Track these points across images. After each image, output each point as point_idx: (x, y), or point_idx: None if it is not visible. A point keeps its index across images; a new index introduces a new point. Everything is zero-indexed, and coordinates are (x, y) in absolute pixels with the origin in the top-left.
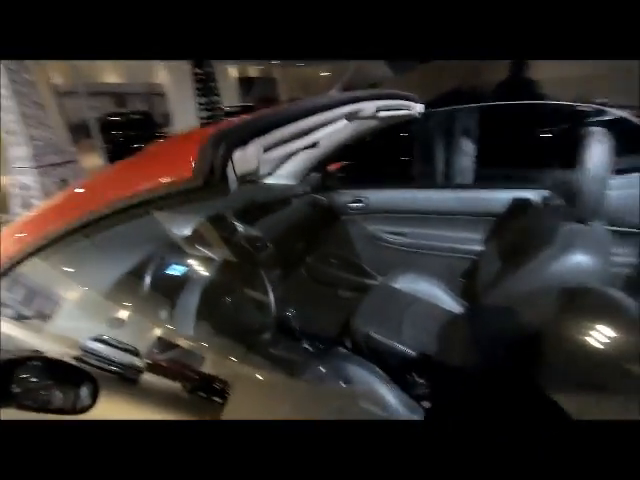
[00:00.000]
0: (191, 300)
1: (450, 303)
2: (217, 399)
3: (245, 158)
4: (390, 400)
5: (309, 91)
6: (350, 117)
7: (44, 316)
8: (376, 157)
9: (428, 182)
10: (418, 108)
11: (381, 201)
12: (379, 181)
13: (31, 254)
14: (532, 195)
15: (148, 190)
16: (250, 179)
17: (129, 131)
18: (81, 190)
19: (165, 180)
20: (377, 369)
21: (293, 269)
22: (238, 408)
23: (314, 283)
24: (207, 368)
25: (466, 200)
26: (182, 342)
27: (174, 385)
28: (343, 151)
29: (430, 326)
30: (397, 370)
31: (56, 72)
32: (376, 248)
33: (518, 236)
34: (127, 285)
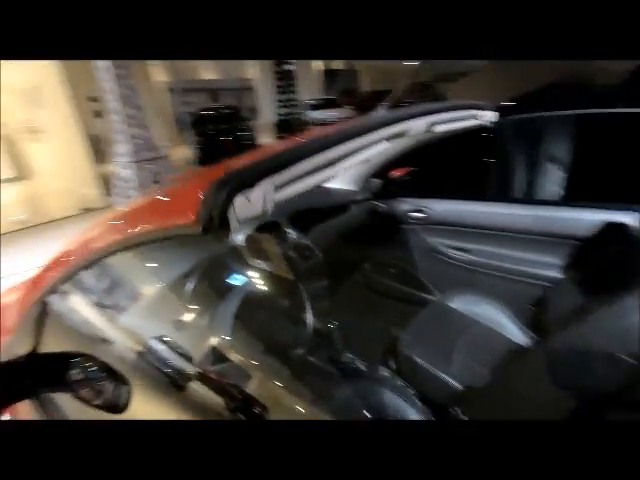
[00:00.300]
0: (230, 307)
1: (515, 333)
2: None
3: (249, 202)
4: None
5: (392, 82)
6: (392, 138)
7: (120, 308)
8: (444, 163)
9: (502, 195)
10: (489, 116)
11: (445, 213)
12: (445, 190)
13: (127, 247)
14: (629, 219)
15: (161, 229)
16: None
17: (219, 125)
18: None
19: (173, 223)
20: (415, 399)
21: (345, 279)
22: None
23: (369, 293)
24: (251, 388)
25: (546, 219)
26: (234, 357)
27: (217, 400)
28: (408, 156)
29: (487, 357)
30: (439, 403)
31: (155, 70)
32: (435, 263)
33: (605, 267)
34: (182, 288)
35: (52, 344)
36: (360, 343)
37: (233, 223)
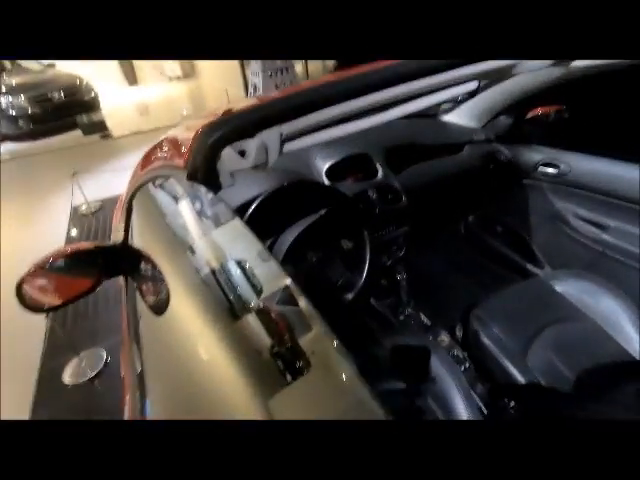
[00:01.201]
0: (289, 237)
1: (635, 343)
2: (288, 376)
3: (244, 153)
4: (460, 411)
5: None
6: (485, 77)
7: (217, 222)
8: (608, 108)
9: None
10: None
11: (588, 173)
12: (597, 145)
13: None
14: None
15: (162, 170)
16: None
17: None
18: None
19: (168, 167)
20: (462, 378)
21: (441, 228)
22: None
23: (468, 248)
24: (304, 340)
25: None
26: (302, 303)
27: (265, 339)
28: (556, 93)
29: (583, 360)
30: (492, 392)
31: None
32: (557, 233)
33: None
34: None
35: (142, 238)
36: (436, 299)
37: (223, 175)
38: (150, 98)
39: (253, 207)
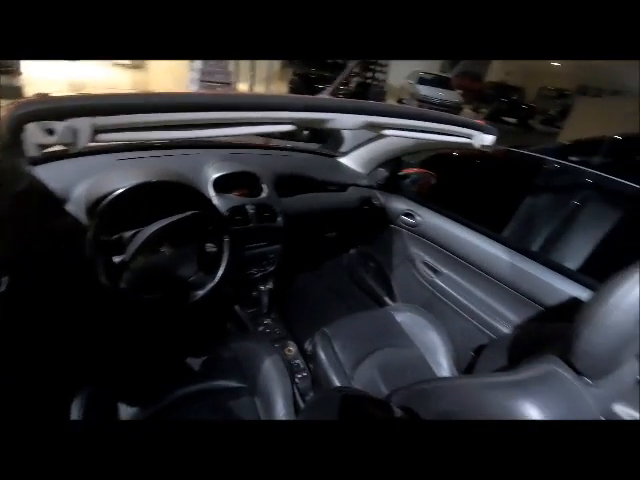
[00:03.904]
0: (150, 229)
1: (445, 373)
2: None
3: (51, 131)
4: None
5: (528, 79)
6: (310, 124)
7: None
8: (462, 179)
9: (510, 237)
10: (485, 140)
11: (434, 227)
12: (445, 205)
13: None
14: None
15: None
16: None
17: (323, 71)
18: None
19: None
20: (287, 383)
21: (308, 252)
22: None
23: (347, 277)
24: None
25: (522, 273)
26: None
27: None
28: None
29: (395, 378)
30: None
31: None
32: (408, 274)
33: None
34: None
35: None
36: (305, 316)
37: (27, 145)
38: (88, 78)
39: (120, 193)
